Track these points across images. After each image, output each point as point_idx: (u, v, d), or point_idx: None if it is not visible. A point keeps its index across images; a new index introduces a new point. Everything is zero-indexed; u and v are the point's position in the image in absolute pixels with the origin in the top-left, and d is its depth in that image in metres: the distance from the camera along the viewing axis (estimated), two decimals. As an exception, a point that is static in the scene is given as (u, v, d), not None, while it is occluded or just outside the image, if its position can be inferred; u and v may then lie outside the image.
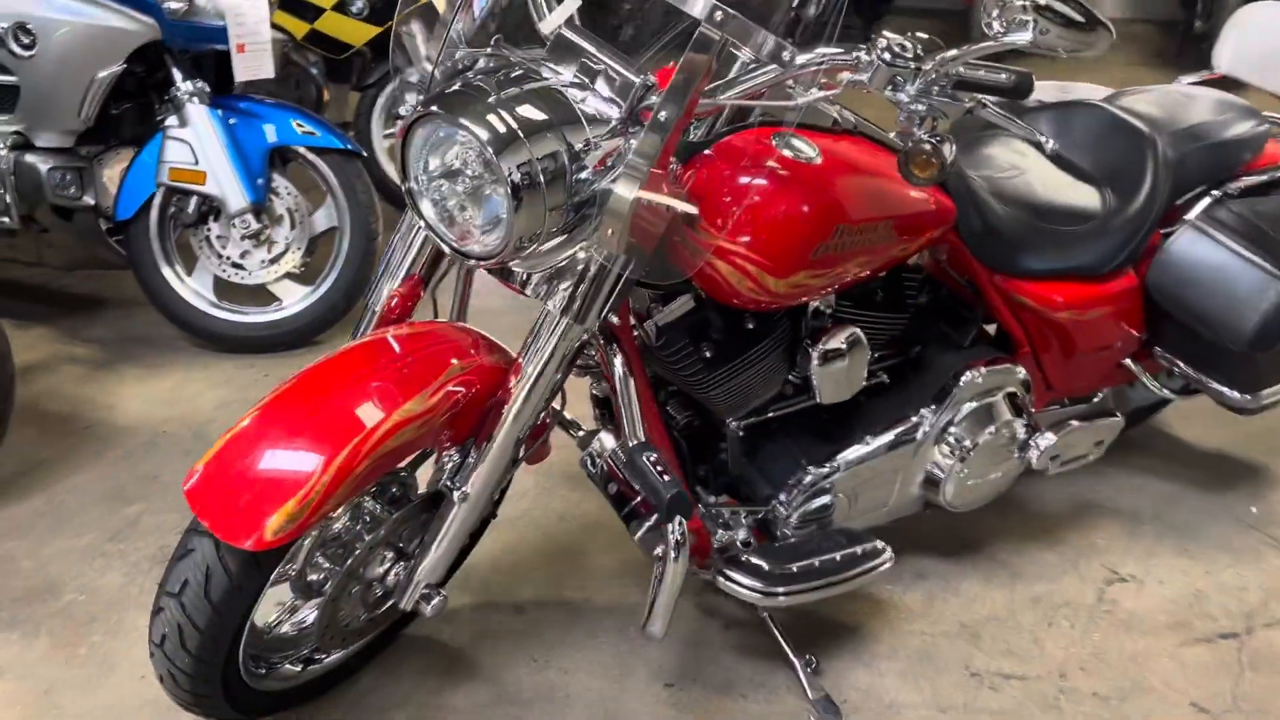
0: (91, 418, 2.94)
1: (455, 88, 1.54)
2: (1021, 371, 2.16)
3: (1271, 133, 2.32)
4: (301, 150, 3.22)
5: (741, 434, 1.99)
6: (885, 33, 1.53)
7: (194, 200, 3.15)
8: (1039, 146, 1.77)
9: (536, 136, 1.49)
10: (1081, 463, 2.33)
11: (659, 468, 1.68)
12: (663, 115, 1.46)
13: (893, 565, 2.02)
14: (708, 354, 1.84)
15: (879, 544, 2.02)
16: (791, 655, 2.02)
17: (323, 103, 4.21)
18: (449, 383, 1.66)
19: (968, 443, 2.09)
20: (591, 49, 1.61)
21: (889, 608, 2.25)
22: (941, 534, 2.42)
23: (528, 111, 1.50)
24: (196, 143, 3.07)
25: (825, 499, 2.05)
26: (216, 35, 3.05)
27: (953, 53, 1.50)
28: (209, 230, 3.20)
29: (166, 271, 3.22)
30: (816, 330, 1.91)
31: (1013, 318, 2.13)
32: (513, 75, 1.56)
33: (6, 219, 3.06)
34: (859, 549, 2.00)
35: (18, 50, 2.91)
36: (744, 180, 1.63)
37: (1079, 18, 1.47)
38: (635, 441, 1.71)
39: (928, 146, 1.50)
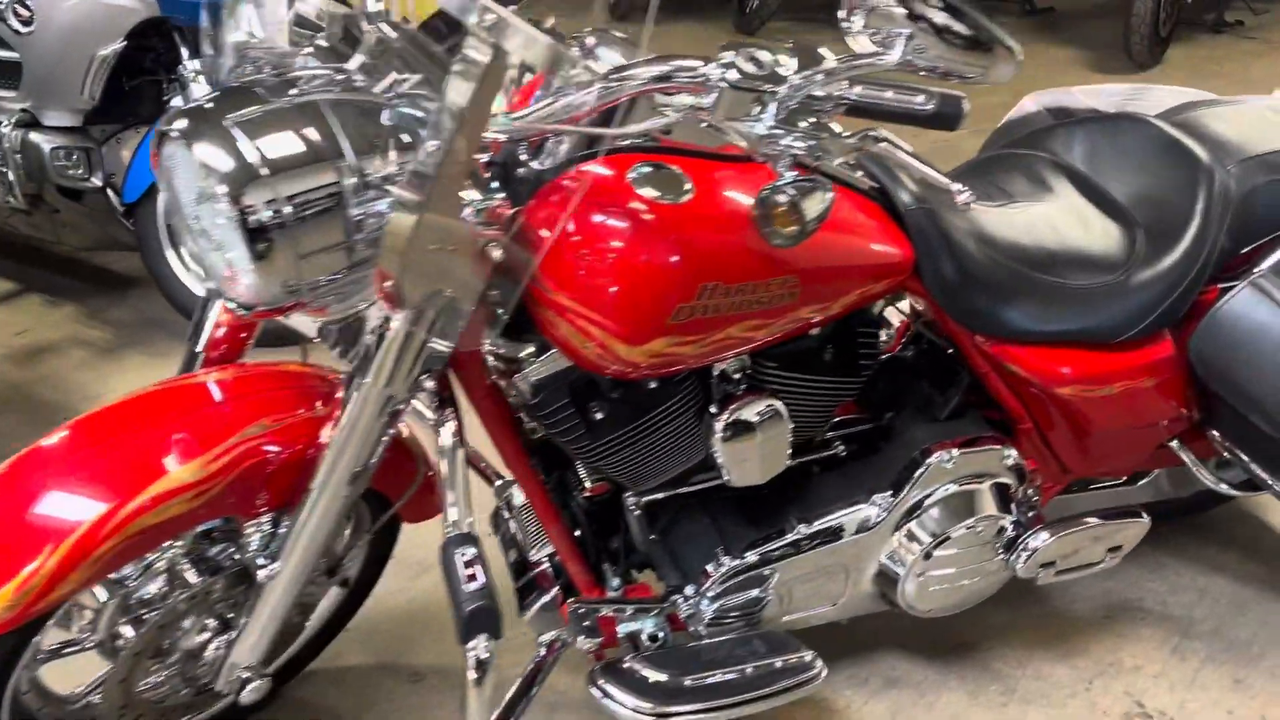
0: (76, 408, 2.85)
1: (212, 98, 1.27)
2: (1013, 456, 1.74)
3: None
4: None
5: (637, 512, 1.66)
6: (741, 41, 1.17)
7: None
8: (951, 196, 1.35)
9: (292, 166, 1.21)
10: (1089, 571, 1.87)
11: (470, 570, 1.37)
12: (445, 123, 1.16)
13: (823, 680, 1.65)
14: (597, 416, 1.52)
15: (807, 655, 1.66)
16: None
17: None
18: (244, 445, 1.40)
19: (930, 538, 1.69)
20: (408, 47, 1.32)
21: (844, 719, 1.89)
22: (929, 627, 2.00)
23: (285, 135, 1.22)
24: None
25: (752, 592, 1.70)
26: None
27: (823, 70, 1.13)
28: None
29: (170, 255, 3.10)
30: (727, 397, 1.56)
31: (1005, 388, 1.71)
32: (293, 83, 1.28)
33: (11, 199, 2.99)
34: (780, 660, 1.65)
35: (17, 26, 2.82)
36: (582, 223, 1.30)
37: (965, 31, 1.07)
38: (455, 532, 1.41)
39: (782, 199, 1.14)
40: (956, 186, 1.25)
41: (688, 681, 1.60)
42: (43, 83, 2.89)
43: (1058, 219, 1.73)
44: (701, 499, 1.72)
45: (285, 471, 1.44)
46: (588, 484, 1.70)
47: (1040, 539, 1.75)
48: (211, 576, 1.53)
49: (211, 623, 1.58)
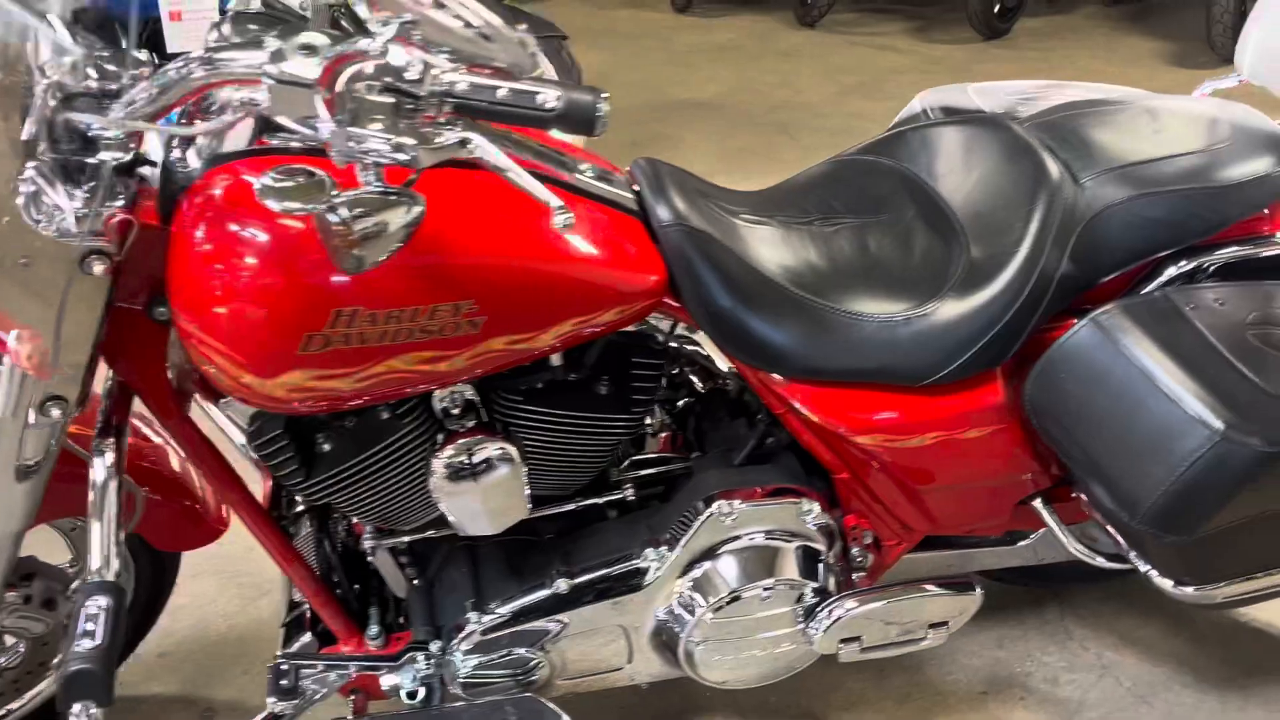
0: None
1: None
2: (815, 510, 1.50)
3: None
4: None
5: (383, 555, 1.50)
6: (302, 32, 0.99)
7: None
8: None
9: None
10: (908, 650, 1.61)
11: (91, 625, 1.22)
12: None
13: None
14: (322, 449, 1.37)
15: None
16: None
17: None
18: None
19: (707, 601, 1.48)
20: None
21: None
22: (773, 690, 1.77)
23: None
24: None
25: (515, 651, 1.52)
26: (149, 3, 2.84)
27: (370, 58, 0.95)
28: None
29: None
30: (450, 434, 1.38)
31: (809, 433, 1.48)
32: None
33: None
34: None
35: None
36: (199, 235, 1.14)
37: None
38: (94, 578, 1.26)
39: (334, 219, 0.95)
40: (556, 203, 1.03)
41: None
42: None
43: (874, 239, 1.48)
44: (470, 546, 1.54)
45: None
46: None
47: (844, 608, 1.50)
48: None
49: None
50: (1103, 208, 1.43)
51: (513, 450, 1.37)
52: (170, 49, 2.85)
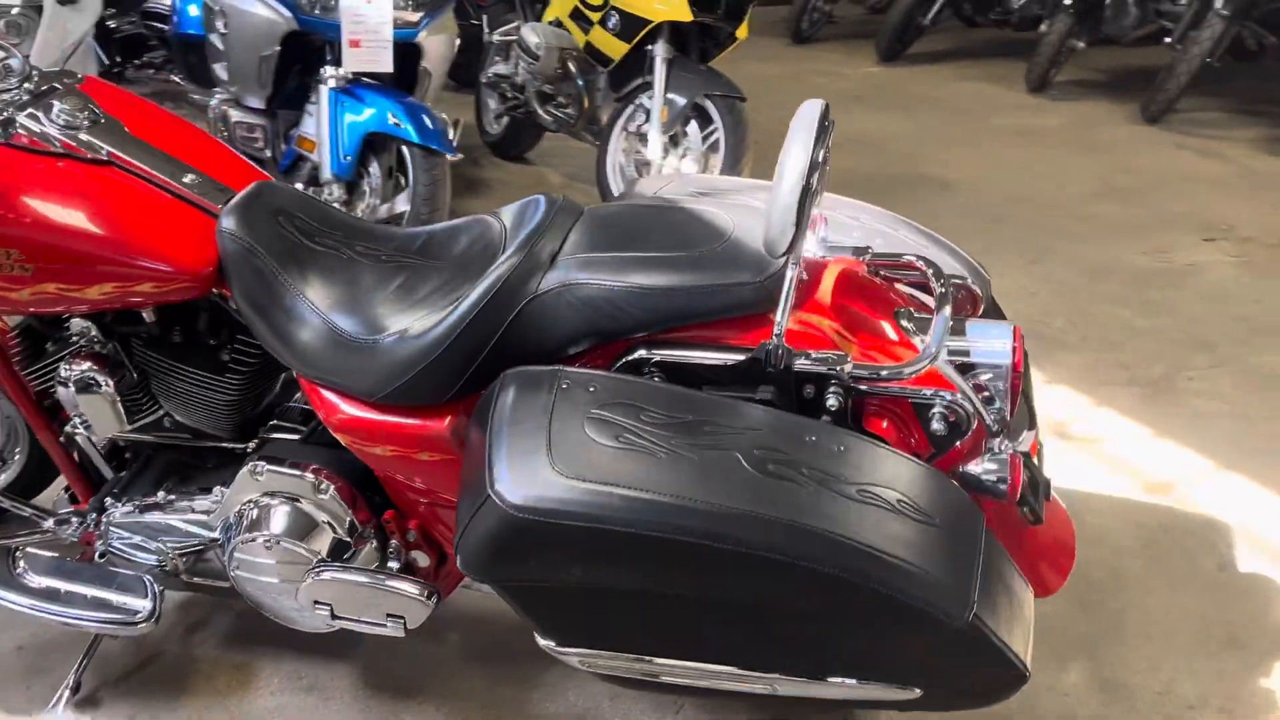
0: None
1: None
2: (330, 491, 1.78)
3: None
4: (395, 139, 3.63)
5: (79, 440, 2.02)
6: None
7: (308, 164, 3.78)
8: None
9: None
10: (373, 630, 1.80)
11: None
12: None
13: (143, 629, 1.88)
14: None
15: (141, 608, 1.89)
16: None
17: (583, 108, 4.53)
18: None
19: (239, 533, 1.82)
20: None
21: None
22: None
23: None
24: (316, 117, 3.68)
25: (134, 537, 1.98)
26: (333, 28, 3.59)
27: None
28: (318, 191, 3.81)
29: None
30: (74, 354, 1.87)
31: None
32: None
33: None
34: (117, 597, 1.91)
35: (221, 29, 3.80)
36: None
37: None
38: None
39: None
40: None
41: (36, 582, 1.94)
42: (235, 73, 3.85)
43: (406, 277, 1.74)
44: (152, 451, 2.02)
45: None
46: None
47: (317, 575, 1.77)
48: None
49: None
50: (553, 286, 1.57)
51: (100, 376, 1.82)
52: (347, 68, 3.60)
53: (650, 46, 4.19)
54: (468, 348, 1.58)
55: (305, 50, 3.75)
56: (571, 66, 4.57)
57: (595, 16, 4.37)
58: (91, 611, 1.91)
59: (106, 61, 5.56)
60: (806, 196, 1.44)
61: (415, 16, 3.76)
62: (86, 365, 1.83)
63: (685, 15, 4.04)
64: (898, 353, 1.58)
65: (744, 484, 1.37)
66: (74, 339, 1.89)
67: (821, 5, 8.55)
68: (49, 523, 2.06)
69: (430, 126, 3.63)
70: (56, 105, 1.75)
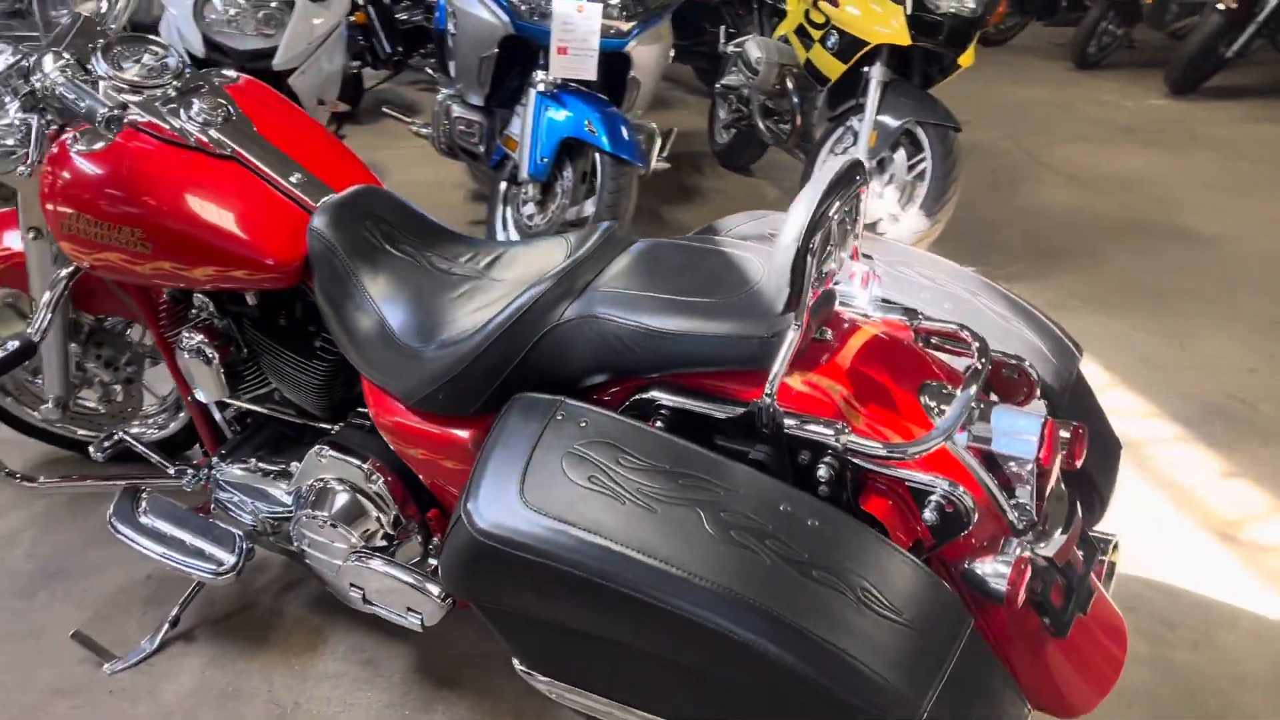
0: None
1: None
2: (379, 481, 1.88)
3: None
4: (589, 145, 3.75)
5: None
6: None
7: (511, 163, 3.96)
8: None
9: None
10: (396, 619, 1.87)
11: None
12: None
13: (230, 578, 2.07)
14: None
15: (229, 558, 2.08)
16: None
17: (796, 125, 4.49)
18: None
19: (304, 509, 1.96)
20: None
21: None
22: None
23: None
24: (523, 118, 3.86)
25: (231, 495, 2.17)
26: (543, 34, 3.73)
27: None
28: (514, 189, 3.98)
29: (498, 209, 4.10)
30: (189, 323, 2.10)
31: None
32: None
33: (438, 147, 4.31)
34: (210, 547, 2.11)
35: (452, 28, 4.05)
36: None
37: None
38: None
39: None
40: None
41: (149, 522, 2.17)
42: (459, 72, 4.10)
43: (468, 290, 1.79)
44: (267, 420, 2.22)
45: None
46: None
47: (358, 560, 1.87)
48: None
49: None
50: (574, 317, 1.58)
51: (208, 348, 2.02)
52: (552, 74, 3.73)
53: (867, 69, 4.08)
54: (490, 366, 1.63)
55: (524, 54, 3.92)
56: (789, 83, 4.52)
57: (816, 34, 4.30)
58: (186, 556, 2.11)
59: (389, 50, 6.06)
60: (805, 256, 1.38)
61: (627, 26, 3.84)
62: (199, 337, 2.03)
63: (904, 39, 3.90)
64: (912, 429, 1.48)
65: (698, 545, 1.34)
66: (198, 312, 2.10)
67: (1114, 28, 7.97)
68: (171, 470, 2.29)
69: (624, 137, 3.70)
70: (197, 103, 1.95)
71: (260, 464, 2.13)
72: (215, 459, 2.19)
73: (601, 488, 1.40)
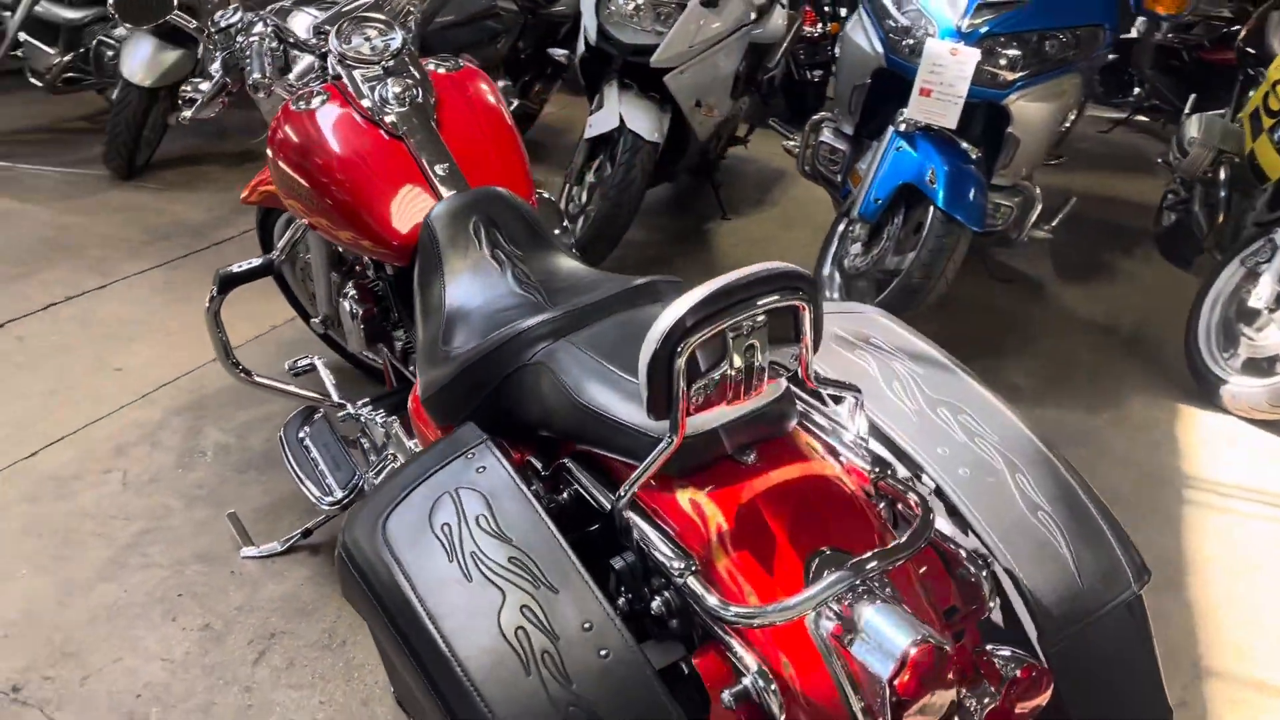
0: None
1: None
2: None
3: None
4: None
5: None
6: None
7: (853, 197, 3.80)
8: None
9: None
10: None
11: None
12: None
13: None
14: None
15: (337, 493, 2.30)
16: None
17: (1214, 223, 3.85)
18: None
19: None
20: None
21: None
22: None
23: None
24: (874, 154, 3.69)
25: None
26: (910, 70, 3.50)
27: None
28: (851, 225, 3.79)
29: (832, 244, 3.93)
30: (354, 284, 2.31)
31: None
32: None
33: (800, 170, 4.25)
34: (329, 472, 2.34)
35: (838, 52, 3.96)
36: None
37: None
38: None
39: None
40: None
41: (304, 438, 2.44)
42: (837, 97, 4.00)
43: (518, 303, 1.78)
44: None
45: None
46: None
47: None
48: None
49: None
50: (536, 361, 1.53)
51: (355, 304, 2.21)
52: (909, 114, 3.50)
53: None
54: (471, 384, 1.63)
55: (899, 89, 3.71)
56: (1223, 171, 3.83)
57: (1268, 123, 3.58)
58: (309, 477, 2.35)
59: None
60: (670, 361, 1.20)
61: (1011, 76, 3.49)
62: (352, 292, 2.23)
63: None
64: (778, 594, 1.24)
65: (479, 631, 1.25)
66: (361, 270, 2.30)
67: None
68: (333, 400, 2.54)
69: (969, 196, 3.40)
70: (392, 84, 2.12)
71: (384, 418, 2.28)
72: (359, 404, 2.39)
73: (444, 538, 1.34)
